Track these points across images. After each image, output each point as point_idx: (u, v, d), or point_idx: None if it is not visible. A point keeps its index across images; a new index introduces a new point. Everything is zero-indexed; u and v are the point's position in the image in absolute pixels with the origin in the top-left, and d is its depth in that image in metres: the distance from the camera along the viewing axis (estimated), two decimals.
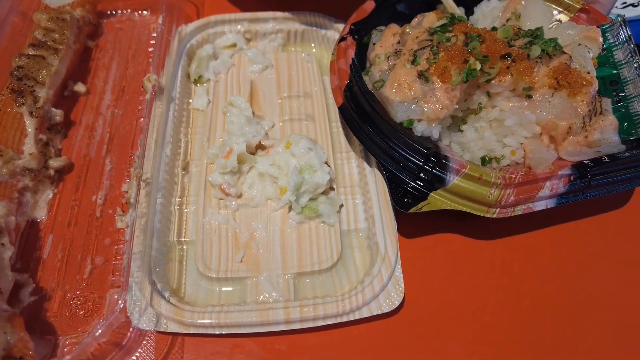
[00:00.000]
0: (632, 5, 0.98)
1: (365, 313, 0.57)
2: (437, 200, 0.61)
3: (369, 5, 0.77)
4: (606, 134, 0.63)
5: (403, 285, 0.59)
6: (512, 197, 0.59)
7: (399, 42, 0.71)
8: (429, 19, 0.73)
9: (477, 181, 0.59)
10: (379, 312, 0.57)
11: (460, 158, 0.63)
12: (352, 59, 0.70)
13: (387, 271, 0.59)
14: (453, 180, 0.60)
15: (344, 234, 0.67)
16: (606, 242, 0.70)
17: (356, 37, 0.73)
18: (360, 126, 0.66)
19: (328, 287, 0.63)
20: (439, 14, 0.73)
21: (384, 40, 0.72)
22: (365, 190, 0.69)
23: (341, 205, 0.69)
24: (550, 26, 0.77)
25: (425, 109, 0.63)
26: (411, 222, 0.70)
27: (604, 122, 0.63)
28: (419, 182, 0.61)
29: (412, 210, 0.61)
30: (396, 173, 0.62)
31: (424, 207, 0.61)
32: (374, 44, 0.74)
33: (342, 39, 0.74)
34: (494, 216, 0.61)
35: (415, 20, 0.75)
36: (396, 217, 0.68)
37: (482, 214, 0.61)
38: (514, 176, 0.59)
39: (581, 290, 0.65)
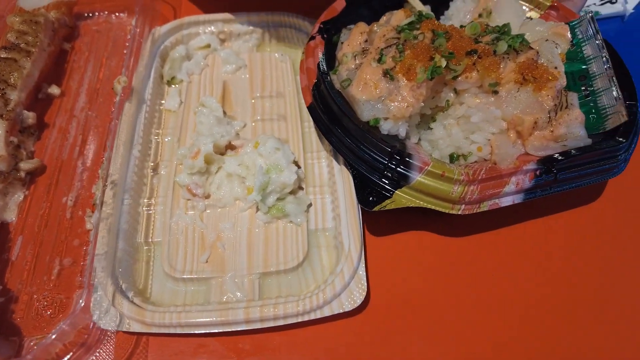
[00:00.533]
0: (610, 2, 0.98)
1: (326, 312, 0.57)
2: (402, 198, 0.61)
3: (340, 4, 0.77)
4: (572, 128, 0.62)
5: (366, 283, 0.59)
6: (476, 194, 0.59)
7: (366, 41, 0.71)
8: (397, 17, 0.73)
9: (440, 178, 0.59)
10: (341, 311, 0.57)
11: (425, 155, 0.62)
12: (320, 58, 0.70)
13: (349, 270, 0.58)
14: (416, 177, 0.60)
15: (312, 233, 0.67)
16: (576, 237, 0.69)
17: (325, 36, 0.73)
18: (328, 125, 0.66)
19: (294, 286, 0.63)
20: (408, 12, 0.73)
21: (352, 38, 0.72)
22: (333, 189, 0.69)
23: (309, 205, 0.69)
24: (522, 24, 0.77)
25: (391, 108, 0.63)
26: (380, 220, 0.70)
27: (570, 117, 0.63)
28: (385, 180, 0.61)
29: (377, 208, 0.60)
30: (363, 172, 0.62)
31: (388, 205, 0.61)
32: (342, 42, 0.74)
33: (311, 38, 0.74)
34: (459, 213, 0.60)
35: (383, 19, 0.75)
36: (365, 215, 0.68)
37: (447, 211, 0.60)
38: (477, 172, 0.59)
39: (549, 286, 0.65)
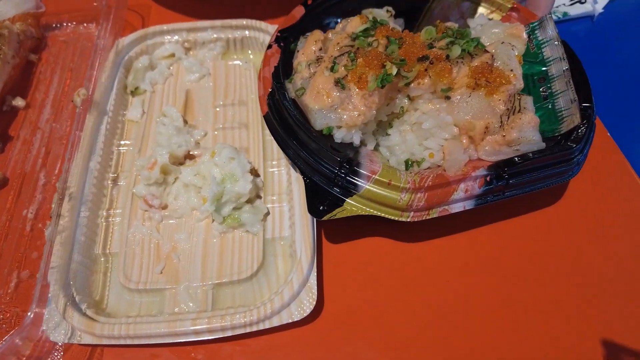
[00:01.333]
0: (579, 2, 0.97)
1: (275, 322, 0.57)
2: (353, 206, 0.61)
3: (299, 12, 0.77)
4: (525, 132, 0.62)
5: (316, 292, 0.59)
6: (423, 201, 0.59)
7: (320, 49, 0.71)
8: (353, 24, 0.73)
9: (387, 186, 0.59)
10: (290, 321, 0.57)
11: (377, 163, 0.62)
12: (275, 66, 0.70)
13: (298, 279, 0.58)
14: (365, 186, 0.60)
15: (268, 242, 0.67)
16: (531, 241, 0.69)
17: (282, 44, 0.73)
18: (282, 135, 0.66)
19: (248, 296, 0.63)
20: (364, 18, 0.73)
21: (307, 47, 0.72)
22: (290, 197, 0.69)
23: (267, 214, 0.69)
24: (474, 26, 0.77)
25: (344, 117, 0.63)
26: (339, 227, 0.70)
27: (522, 121, 0.63)
28: (336, 189, 0.61)
29: (326, 217, 0.60)
30: (316, 181, 0.62)
31: (339, 213, 0.61)
32: (298, 51, 0.74)
33: (268, 46, 0.74)
34: (409, 220, 0.60)
35: (339, 26, 0.75)
36: (324, 223, 0.68)
37: (396, 218, 0.60)
38: (424, 180, 0.59)
39: (502, 291, 0.64)
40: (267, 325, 0.57)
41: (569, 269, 0.67)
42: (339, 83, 0.63)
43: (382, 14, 0.81)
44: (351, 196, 0.61)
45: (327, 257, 0.67)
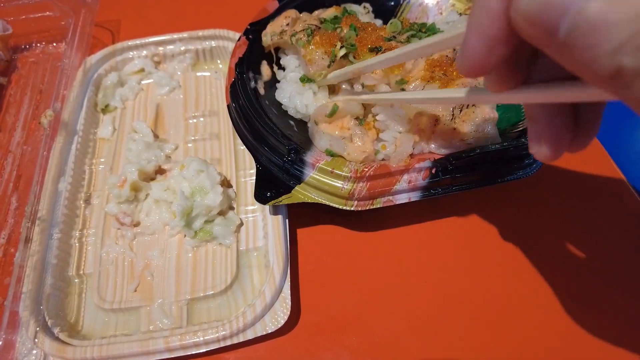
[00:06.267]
0: None
1: (250, 335, 0.56)
2: (299, 193, 0.60)
3: (272, 6, 0.77)
4: (478, 125, 0.61)
5: (290, 301, 0.58)
6: (365, 191, 0.58)
7: (288, 25, 0.71)
8: (328, 13, 0.73)
9: (330, 175, 0.59)
10: (264, 333, 0.56)
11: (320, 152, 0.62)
12: (240, 57, 0.70)
13: (271, 290, 0.58)
14: (310, 173, 0.60)
15: (242, 253, 0.66)
16: (511, 235, 0.68)
17: (250, 36, 0.73)
18: (238, 121, 0.66)
19: (224, 310, 0.62)
20: (339, 9, 0.73)
21: (278, 20, 0.72)
22: (263, 206, 0.68)
23: (240, 225, 0.68)
24: (447, 22, 0.77)
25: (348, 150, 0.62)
26: (314, 234, 0.69)
27: (476, 114, 0.62)
28: (286, 176, 0.61)
29: (271, 203, 0.60)
30: (267, 167, 0.62)
31: (284, 200, 0.60)
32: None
33: (238, 39, 0.74)
34: (353, 209, 0.59)
35: (315, 13, 0.75)
36: (296, 231, 0.68)
37: (341, 207, 0.59)
38: (366, 170, 0.58)
39: (486, 289, 0.63)
40: (241, 338, 0.56)
41: (549, 258, 0.66)
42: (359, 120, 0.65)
43: (360, 10, 0.81)
44: (299, 184, 0.60)
45: (303, 265, 0.67)
